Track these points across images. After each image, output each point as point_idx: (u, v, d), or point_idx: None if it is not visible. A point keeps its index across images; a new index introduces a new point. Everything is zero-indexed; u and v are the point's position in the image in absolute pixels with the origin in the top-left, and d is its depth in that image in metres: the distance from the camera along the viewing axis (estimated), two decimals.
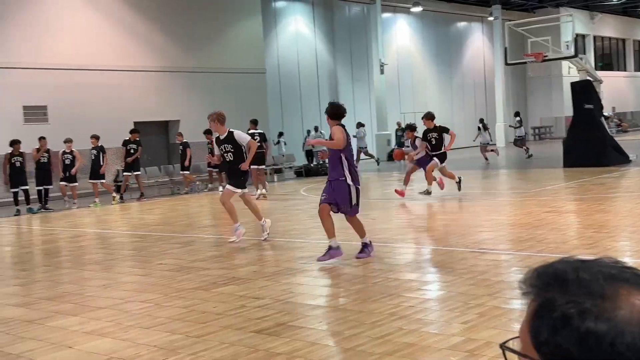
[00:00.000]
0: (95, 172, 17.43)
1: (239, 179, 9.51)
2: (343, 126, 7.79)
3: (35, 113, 20.07)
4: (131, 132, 18.45)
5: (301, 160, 26.48)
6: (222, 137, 9.51)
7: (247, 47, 25.84)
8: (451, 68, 38.69)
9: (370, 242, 7.85)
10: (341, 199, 7.59)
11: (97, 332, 5.47)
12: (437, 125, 13.93)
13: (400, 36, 35.50)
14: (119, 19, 22.18)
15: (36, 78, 20.03)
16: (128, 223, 14.25)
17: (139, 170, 18.50)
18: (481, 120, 25.95)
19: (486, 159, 25.00)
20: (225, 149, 9.48)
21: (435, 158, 13.67)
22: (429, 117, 13.98)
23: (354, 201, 7.63)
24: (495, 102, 37.16)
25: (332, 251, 7.58)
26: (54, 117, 20.34)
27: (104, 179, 17.68)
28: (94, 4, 21.64)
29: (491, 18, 36.95)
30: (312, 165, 24.86)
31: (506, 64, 27.31)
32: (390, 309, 5.53)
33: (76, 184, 17.22)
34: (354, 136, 27.47)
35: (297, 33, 30.55)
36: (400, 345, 4.58)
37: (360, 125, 27.19)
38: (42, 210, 16.65)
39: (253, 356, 4.58)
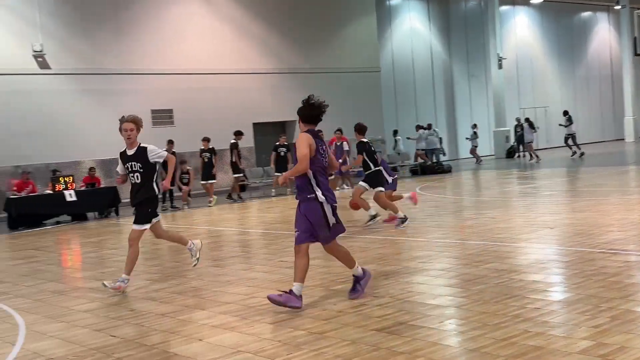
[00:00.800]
0: (207, 174, 18.19)
1: (146, 210, 7.47)
2: (317, 132, 6.01)
3: (162, 116, 21.15)
4: (237, 133, 18.87)
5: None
6: (129, 153, 7.47)
7: (362, 47, 25.95)
8: (574, 60, 37.05)
9: (364, 271, 6.22)
10: (316, 222, 5.99)
11: (224, 326, 5.69)
12: (364, 140, 10.80)
13: (520, 29, 34.41)
14: (236, 23, 22.93)
15: (162, 83, 21.12)
16: (247, 222, 14.70)
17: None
18: (527, 120, 27.50)
19: (531, 156, 26.10)
20: (131, 167, 7.44)
21: (363, 182, 10.83)
22: (357, 128, 10.81)
23: (331, 221, 6.01)
24: (624, 94, 35.28)
25: (292, 296, 5.87)
26: (179, 120, 21.36)
27: (214, 179, 18.36)
28: (213, 10, 22.50)
29: (618, 7, 35.09)
30: (427, 163, 24.59)
31: (635, 54, 25.87)
32: (515, 310, 5.38)
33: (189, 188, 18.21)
34: (408, 138, 26.62)
35: (412, 30, 30.33)
36: (526, 348, 4.45)
37: (422, 128, 26.22)
38: (170, 209, 17.57)
39: (375, 354, 4.59)
